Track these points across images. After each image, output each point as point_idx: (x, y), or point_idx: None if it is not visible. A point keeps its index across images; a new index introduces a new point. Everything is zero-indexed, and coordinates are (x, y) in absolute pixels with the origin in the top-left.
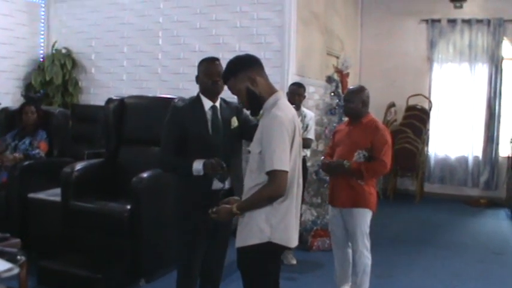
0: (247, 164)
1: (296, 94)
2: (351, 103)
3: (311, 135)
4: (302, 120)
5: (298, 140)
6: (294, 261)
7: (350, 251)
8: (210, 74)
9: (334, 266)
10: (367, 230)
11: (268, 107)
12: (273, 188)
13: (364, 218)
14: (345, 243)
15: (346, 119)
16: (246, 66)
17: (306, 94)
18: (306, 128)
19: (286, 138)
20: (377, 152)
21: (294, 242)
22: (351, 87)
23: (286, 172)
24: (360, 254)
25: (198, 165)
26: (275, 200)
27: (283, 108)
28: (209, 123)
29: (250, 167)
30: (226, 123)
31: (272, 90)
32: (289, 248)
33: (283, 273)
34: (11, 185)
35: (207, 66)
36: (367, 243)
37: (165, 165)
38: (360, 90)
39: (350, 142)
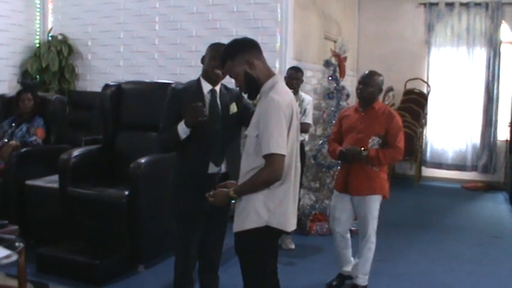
0: (244, 148)
1: (294, 78)
2: (371, 87)
3: (309, 119)
4: (300, 105)
5: (295, 124)
6: (293, 246)
7: (349, 236)
8: (215, 57)
9: (336, 249)
10: (377, 213)
11: (266, 90)
12: (270, 172)
13: (376, 203)
14: (347, 228)
15: (344, 103)
16: (243, 50)
17: (304, 78)
18: (304, 112)
19: (284, 122)
20: (392, 139)
21: (291, 226)
22: (366, 71)
23: (283, 156)
24: (367, 238)
25: (181, 126)
26: (272, 183)
27: (281, 91)
28: (207, 107)
29: (246, 151)
30: (225, 108)
31: (270, 74)
32: (287, 232)
33: (282, 257)
34: (9, 172)
35: (214, 49)
36: (375, 227)
37: (162, 144)
38: (378, 74)
39: (364, 129)
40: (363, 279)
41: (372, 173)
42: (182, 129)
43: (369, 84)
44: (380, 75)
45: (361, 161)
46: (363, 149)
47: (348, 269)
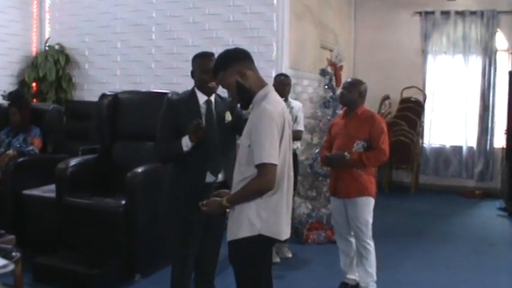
0: (237, 157)
1: (286, 84)
2: (349, 92)
3: (301, 126)
4: (290, 112)
5: (287, 133)
6: (290, 255)
7: (353, 240)
8: (206, 70)
9: (340, 256)
10: (370, 218)
11: (258, 100)
12: (262, 181)
13: (368, 206)
14: (349, 232)
15: (340, 112)
16: (235, 60)
17: (300, 87)
18: (295, 119)
19: (275, 132)
20: (375, 141)
21: (284, 234)
22: (349, 79)
23: (275, 165)
24: (363, 242)
25: (185, 140)
26: (264, 193)
27: (273, 101)
28: (203, 117)
29: (239, 160)
30: (220, 117)
31: (262, 84)
32: (280, 241)
33: (279, 266)
34: (5, 181)
35: (203, 62)
36: (370, 231)
37: (160, 155)
38: (359, 82)
39: (348, 134)
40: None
41: (358, 175)
42: (186, 144)
43: (349, 89)
44: (362, 83)
45: (347, 165)
46: (346, 153)
47: (352, 276)
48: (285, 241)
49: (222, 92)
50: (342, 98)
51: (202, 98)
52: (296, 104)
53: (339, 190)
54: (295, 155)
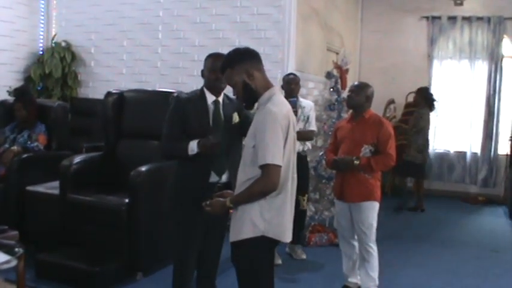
0: (241, 158)
1: (294, 83)
2: (356, 95)
3: (313, 126)
4: (301, 112)
5: (292, 135)
6: (304, 256)
7: (356, 243)
8: (214, 70)
9: (342, 258)
10: (374, 222)
11: (263, 101)
12: (266, 182)
13: (373, 210)
14: (352, 235)
15: (345, 115)
16: (244, 59)
17: (305, 89)
18: (307, 119)
19: (280, 133)
20: (383, 146)
21: (288, 236)
22: (356, 82)
23: (280, 167)
24: (367, 246)
25: (192, 144)
26: (268, 194)
27: (278, 103)
28: (210, 117)
29: (243, 161)
30: (227, 118)
31: (268, 85)
32: (282, 242)
33: (281, 268)
34: (9, 177)
35: (212, 62)
36: (374, 235)
37: (165, 152)
38: (366, 85)
39: (355, 138)
40: None
41: (364, 180)
42: (192, 149)
43: (357, 92)
44: (369, 86)
45: (354, 169)
46: (355, 158)
47: (354, 280)
48: (294, 243)
49: (230, 92)
50: (349, 101)
51: (210, 98)
52: (307, 104)
53: (345, 194)
54: (305, 157)
